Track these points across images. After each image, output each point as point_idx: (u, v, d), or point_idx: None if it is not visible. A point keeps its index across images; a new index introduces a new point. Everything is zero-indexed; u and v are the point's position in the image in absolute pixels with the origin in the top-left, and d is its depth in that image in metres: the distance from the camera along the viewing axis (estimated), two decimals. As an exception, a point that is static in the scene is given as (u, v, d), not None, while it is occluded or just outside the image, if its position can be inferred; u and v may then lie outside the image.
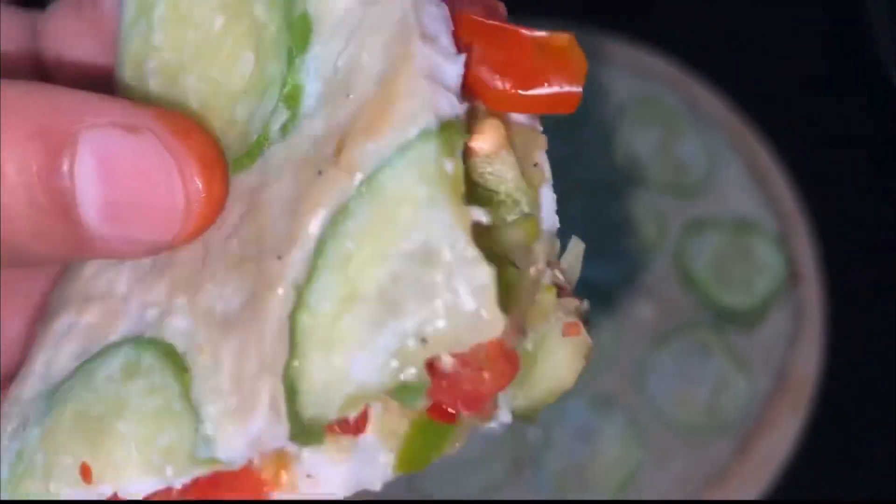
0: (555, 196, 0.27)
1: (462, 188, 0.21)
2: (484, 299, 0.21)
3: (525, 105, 0.24)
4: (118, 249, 0.22)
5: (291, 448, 0.23)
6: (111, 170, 0.21)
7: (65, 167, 0.21)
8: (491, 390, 0.22)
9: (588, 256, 0.78)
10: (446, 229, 0.21)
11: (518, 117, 0.25)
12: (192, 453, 0.22)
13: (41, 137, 0.21)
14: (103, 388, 0.22)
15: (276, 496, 0.23)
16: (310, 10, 0.22)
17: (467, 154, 0.23)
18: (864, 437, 0.79)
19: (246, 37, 0.22)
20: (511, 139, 0.25)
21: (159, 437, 0.22)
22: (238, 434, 0.22)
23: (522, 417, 0.26)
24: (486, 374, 0.22)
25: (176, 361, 0.22)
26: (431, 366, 0.22)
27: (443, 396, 0.23)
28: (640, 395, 0.73)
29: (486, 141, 0.23)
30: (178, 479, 0.22)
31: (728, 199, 0.80)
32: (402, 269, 0.21)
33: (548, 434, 0.71)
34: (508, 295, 0.22)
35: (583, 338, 0.24)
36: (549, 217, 0.26)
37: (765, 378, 0.75)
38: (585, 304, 0.25)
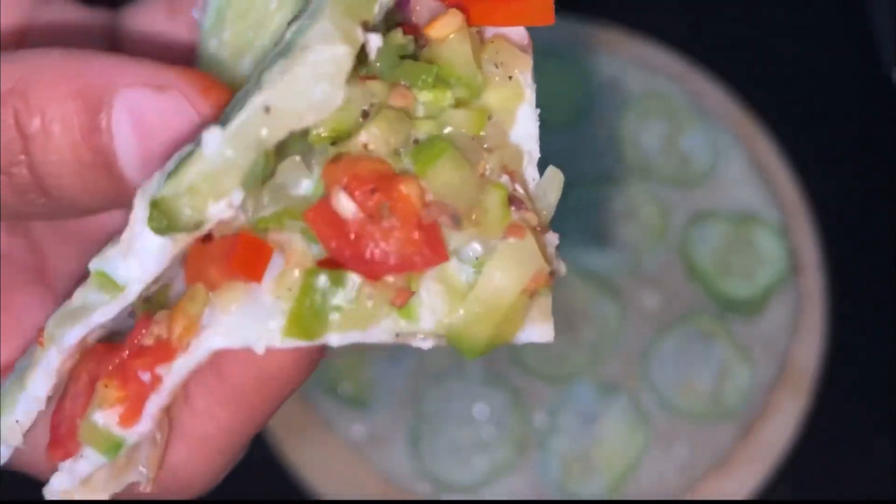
0: (538, 123, 0.27)
1: (363, 17, 0.23)
2: (327, 74, 0.22)
3: (501, 18, 0.26)
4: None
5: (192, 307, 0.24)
6: (145, 125, 0.23)
7: (104, 125, 0.23)
8: (395, 262, 0.22)
9: (593, 246, 0.80)
10: (325, 32, 0.22)
11: (511, 36, 0.26)
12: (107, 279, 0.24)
13: (81, 98, 0.23)
14: None
15: (181, 360, 0.24)
16: None
17: (422, 40, 0.25)
18: (864, 423, 0.80)
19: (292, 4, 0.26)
20: (479, 43, 0.26)
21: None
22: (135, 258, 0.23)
23: (455, 344, 0.24)
24: (391, 237, 0.22)
25: None
26: (332, 213, 0.22)
27: (337, 243, 0.23)
28: (645, 382, 0.74)
29: (439, 28, 0.25)
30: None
31: (731, 190, 0.80)
32: (274, 54, 0.23)
33: (554, 419, 0.72)
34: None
35: (534, 257, 0.24)
36: (525, 138, 0.26)
37: (766, 366, 0.76)
38: (555, 240, 0.26)
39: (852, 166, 0.88)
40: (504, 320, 0.24)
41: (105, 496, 0.25)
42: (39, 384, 0.24)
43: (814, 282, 0.81)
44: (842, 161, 0.88)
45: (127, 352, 0.24)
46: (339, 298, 0.23)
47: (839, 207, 0.85)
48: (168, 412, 0.25)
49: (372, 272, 0.23)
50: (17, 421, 0.25)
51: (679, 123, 0.82)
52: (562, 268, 0.26)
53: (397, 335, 0.24)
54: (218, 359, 0.24)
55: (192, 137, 0.23)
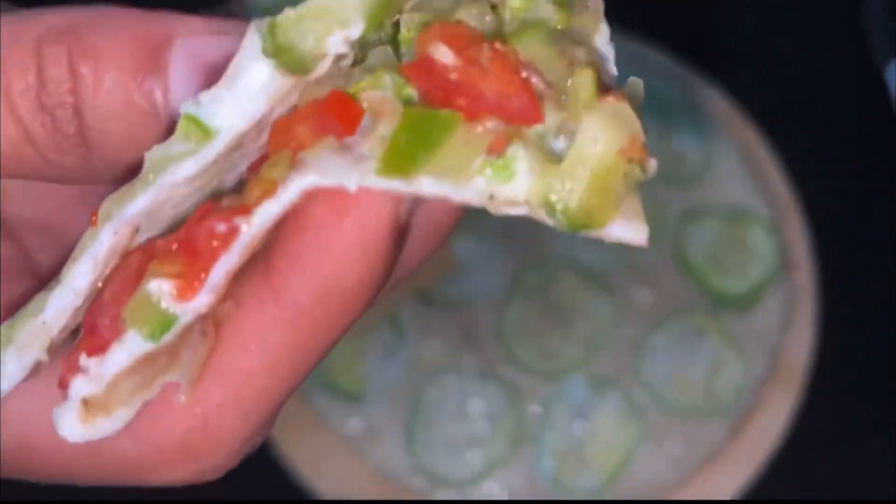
0: (613, 50, 0.27)
1: None
2: None
3: None
4: None
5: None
6: (203, 68, 0.22)
7: (161, 69, 0.22)
8: (493, 101, 0.21)
9: (586, 242, 0.80)
10: None
11: None
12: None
13: (138, 43, 0.22)
14: None
15: (265, 206, 0.21)
16: None
17: None
18: (857, 419, 0.80)
19: None
20: None
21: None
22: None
23: (550, 211, 0.23)
24: (490, 76, 0.21)
25: None
26: (431, 63, 0.21)
27: (435, 85, 0.21)
28: (637, 377, 0.74)
29: None
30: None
31: (723, 188, 0.81)
32: None
33: (547, 413, 0.73)
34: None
35: (630, 120, 0.24)
36: (605, 47, 0.26)
37: (759, 361, 0.76)
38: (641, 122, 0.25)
39: (844, 163, 0.88)
40: (600, 190, 0.24)
41: (130, 414, 0.22)
42: (83, 272, 0.21)
43: (806, 278, 0.81)
44: (833, 158, 0.88)
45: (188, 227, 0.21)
46: (434, 136, 0.21)
47: (830, 204, 0.86)
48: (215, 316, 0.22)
49: (470, 107, 0.21)
50: (43, 322, 0.21)
51: (671, 121, 0.82)
52: (653, 162, 0.25)
53: (490, 197, 0.22)
54: (274, 263, 0.21)
55: None
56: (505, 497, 0.71)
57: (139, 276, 0.21)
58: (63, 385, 0.21)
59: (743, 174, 0.82)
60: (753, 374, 0.76)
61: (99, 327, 0.20)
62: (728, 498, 0.74)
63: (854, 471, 0.78)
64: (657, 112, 0.82)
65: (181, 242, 0.20)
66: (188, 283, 0.20)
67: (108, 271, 0.21)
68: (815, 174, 0.86)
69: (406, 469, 0.71)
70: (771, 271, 0.77)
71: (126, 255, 0.21)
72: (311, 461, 0.73)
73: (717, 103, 0.86)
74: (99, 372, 0.21)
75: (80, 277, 0.21)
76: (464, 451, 0.71)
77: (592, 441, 0.72)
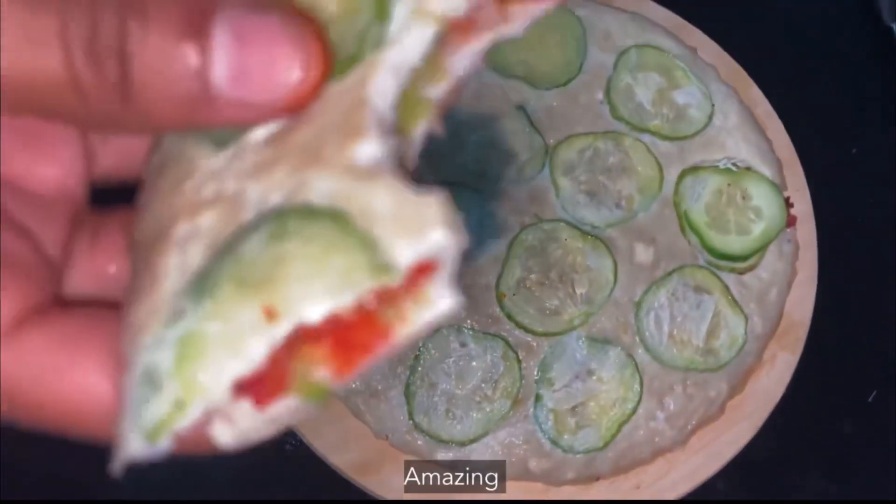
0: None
1: None
2: None
3: None
4: (234, 114, 0.25)
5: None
6: (243, 40, 0.24)
7: (205, 31, 0.24)
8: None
9: (587, 199, 0.79)
10: None
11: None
12: (370, 265, 0.24)
13: (185, 7, 0.24)
14: (255, 256, 0.25)
15: (394, 338, 0.25)
16: None
17: None
18: (857, 376, 0.80)
19: None
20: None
21: (332, 264, 0.24)
22: (409, 243, 0.24)
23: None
24: None
25: (325, 212, 0.25)
26: None
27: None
28: (638, 336, 0.74)
29: None
30: (351, 295, 0.24)
31: (725, 145, 0.80)
32: None
33: (547, 372, 0.72)
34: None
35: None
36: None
37: (760, 319, 0.76)
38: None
39: (843, 122, 0.88)
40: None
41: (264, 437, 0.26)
42: (257, 352, 0.25)
43: (808, 235, 0.81)
44: (833, 116, 0.87)
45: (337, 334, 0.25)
46: None
47: (831, 164, 0.85)
48: None
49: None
50: (226, 389, 0.25)
51: (674, 77, 0.81)
52: None
53: None
54: None
55: (287, 55, 0.25)
56: (500, 456, 0.71)
57: (294, 357, 0.25)
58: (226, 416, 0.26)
59: (745, 131, 0.81)
60: (754, 331, 0.76)
61: (263, 391, 0.25)
62: (730, 454, 0.75)
63: (857, 428, 0.79)
64: (661, 68, 0.81)
65: (338, 343, 0.25)
66: (342, 370, 0.25)
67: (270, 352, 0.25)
68: (814, 132, 0.85)
69: (406, 429, 0.71)
70: (772, 228, 0.77)
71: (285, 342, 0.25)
72: (310, 422, 0.73)
73: (720, 58, 0.85)
74: (265, 417, 0.25)
75: (255, 354, 0.24)
76: (463, 411, 0.71)
77: (592, 399, 0.72)
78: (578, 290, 0.74)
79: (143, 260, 0.27)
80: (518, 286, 0.74)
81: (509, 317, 0.73)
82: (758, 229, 0.77)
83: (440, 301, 0.25)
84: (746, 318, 0.76)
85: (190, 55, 0.24)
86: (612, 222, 0.76)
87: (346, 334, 0.25)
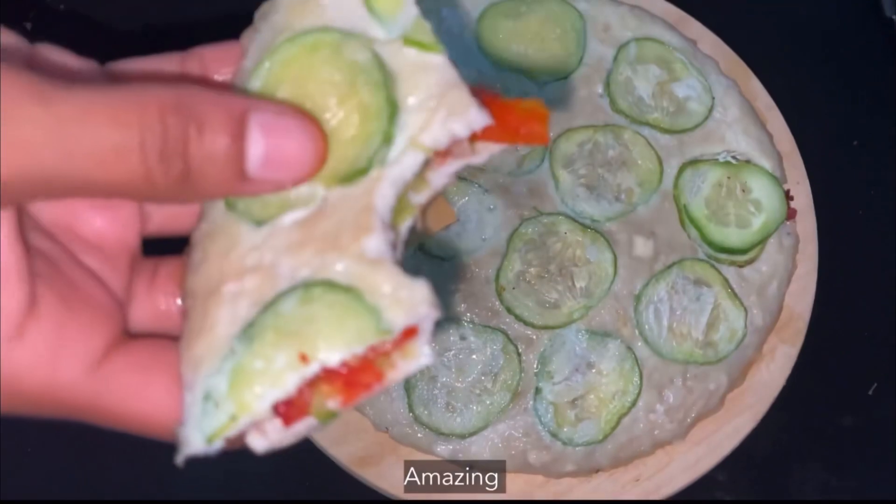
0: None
1: None
2: None
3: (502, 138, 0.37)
4: (264, 188, 0.35)
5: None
6: (269, 136, 0.33)
7: (242, 131, 0.33)
8: None
9: (587, 193, 0.79)
10: None
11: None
12: (376, 328, 0.34)
13: (227, 114, 0.33)
14: (290, 314, 0.34)
15: (386, 381, 0.35)
16: (395, 95, 0.36)
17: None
18: (857, 368, 0.80)
19: (354, 111, 0.36)
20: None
21: (348, 326, 0.34)
22: (403, 314, 0.34)
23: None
24: None
25: (342, 287, 0.34)
26: None
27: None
28: (637, 329, 0.74)
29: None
30: (361, 349, 0.34)
31: (725, 137, 0.80)
32: None
33: (547, 365, 0.73)
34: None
35: None
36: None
37: (760, 312, 0.76)
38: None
39: (845, 115, 0.88)
40: None
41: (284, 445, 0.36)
42: (292, 382, 0.34)
43: (808, 228, 0.80)
44: (834, 109, 0.87)
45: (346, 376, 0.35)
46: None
47: (832, 156, 0.85)
48: None
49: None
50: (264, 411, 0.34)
51: (673, 70, 0.81)
52: None
53: None
54: None
55: (300, 144, 0.35)
56: (500, 448, 0.71)
57: (314, 390, 0.34)
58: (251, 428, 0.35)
59: (745, 124, 0.81)
60: (754, 324, 0.76)
61: (290, 414, 0.34)
62: (729, 447, 0.75)
63: (858, 422, 0.79)
64: (661, 61, 0.81)
65: (344, 382, 0.34)
66: (347, 401, 0.35)
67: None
68: (815, 125, 0.85)
69: (406, 421, 0.72)
70: (772, 221, 0.77)
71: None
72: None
73: (720, 50, 0.85)
74: (289, 432, 0.35)
75: (290, 385, 0.34)
76: (463, 403, 0.72)
77: (592, 392, 0.72)
78: (578, 284, 0.74)
79: (197, 307, 0.36)
80: (518, 279, 0.74)
81: (509, 310, 0.73)
82: (758, 222, 0.77)
83: (422, 356, 0.35)
84: (746, 311, 0.76)
85: (232, 149, 0.33)
86: (612, 215, 0.76)
87: (351, 376, 0.34)
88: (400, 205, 0.36)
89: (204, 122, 0.32)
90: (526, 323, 0.73)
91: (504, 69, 0.79)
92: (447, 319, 0.73)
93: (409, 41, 0.36)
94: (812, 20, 0.90)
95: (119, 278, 0.38)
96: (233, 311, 0.35)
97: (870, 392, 0.80)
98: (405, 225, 0.37)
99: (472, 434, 0.71)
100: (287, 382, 0.33)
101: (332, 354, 0.33)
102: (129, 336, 0.37)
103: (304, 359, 0.33)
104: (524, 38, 0.80)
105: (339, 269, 0.34)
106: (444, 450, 0.71)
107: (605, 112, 0.79)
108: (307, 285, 0.34)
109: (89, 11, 0.87)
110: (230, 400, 0.34)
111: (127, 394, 0.35)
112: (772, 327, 0.77)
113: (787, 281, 0.78)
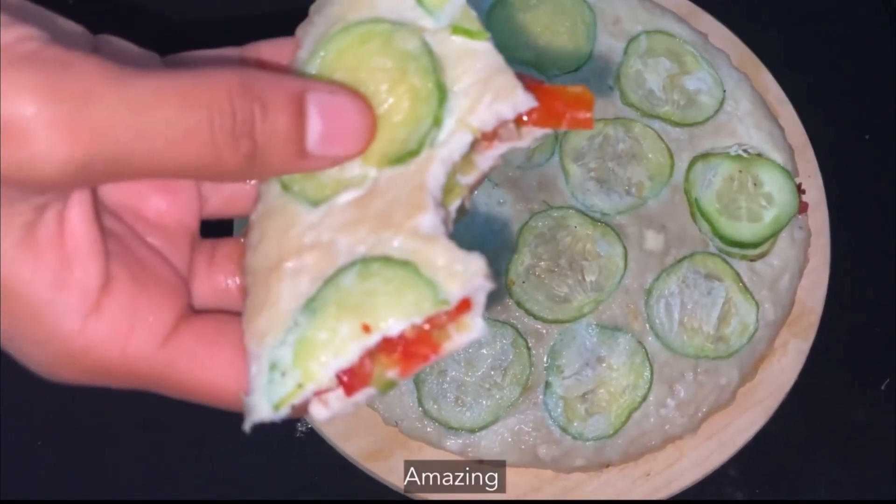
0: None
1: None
2: None
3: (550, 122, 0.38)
4: (317, 164, 0.36)
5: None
6: (325, 114, 0.35)
7: (302, 110, 0.35)
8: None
9: (597, 186, 0.79)
10: None
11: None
12: (434, 299, 0.35)
13: (288, 94, 0.35)
14: (350, 288, 0.36)
15: (442, 352, 0.36)
16: (444, 80, 0.37)
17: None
18: (867, 365, 0.80)
19: (404, 96, 0.37)
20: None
21: (407, 297, 0.35)
22: (459, 286, 0.35)
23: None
24: None
25: (397, 261, 0.36)
26: None
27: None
28: (648, 323, 0.73)
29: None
30: (420, 319, 0.35)
31: (736, 130, 0.79)
32: None
33: (557, 359, 0.72)
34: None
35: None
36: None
37: (771, 306, 0.76)
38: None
39: (856, 108, 0.87)
40: None
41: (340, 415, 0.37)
42: (353, 354, 0.35)
43: (820, 221, 0.80)
44: (846, 104, 0.87)
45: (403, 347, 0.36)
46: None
47: (844, 149, 0.85)
48: None
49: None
50: (327, 380, 0.36)
51: (684, 63, 0.81)
52: None
53: None
54: None
55: (355, 120, 0.37)
56: (510, 442, 0.71)
57: (374, 362, 0.36)
58: (315, 395, 0.36)
59: (756, 118, 0.80)
60: (766, 318, 0.75)
61: (352, 383, 0.36)
62: (741, 442, 0.74)
63: (869, 416, 0.78)
64: (671, 54, 0.81)
65: (403, 353, 0.36)
66: (405, 372, 0.36)
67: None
68: (826, 118, 0.84)
69: (415, 415, 0.71)
70: (784, 215, 0.76)
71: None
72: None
73: (731, 43, 0.84)
74: (350, 401, 0.36)
75: (353, 354, 0.35)
76: (473, 397, 0.71)
77: (602, 386, 0.72)
78: (588, 278, 0.74)
79: (259, 283, 0.38)
80: (528, 273, 0.73)
81: (519, 304, 0.73)
82: (769, 216, 0.76)
83: (475, 328, 0.36)
84: (758, 306, 0.75)
85: (294, 128, 0.35)
86: (623, 209, 0.76)
87: (409, 347, 0.36)
88: (449, 185, 0.37)
89: (267, 102, 0.34)
90: (536, 317, 0.73)
91: (513, 61, 0.79)
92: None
93: (456, 29, 0.38)
94: (824, 13, 0.89)
95: (181, 257, 0.40)
96: (294, 287, 0.36)
97: (882, 387, 0.79)
98: (454, 205, 0.38)
99: (481, 428, 0.71)
100: (350, 352, 0.35)
101: (393, 324, 0.35)
102: (193, 311, 0.39)
103: (366, 329, 0.35)
104: (534, 31, 0.79)
105: (396, 245, 0.36)
106: (453, 444, 0.71)
107: (616, 105, 0.79)
108: (365, 261, 0.36)
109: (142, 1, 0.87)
110: (296, 369, 0.36)
111: (195, 365, 0.37)
112: (783, 322, 0.77)
113: (799, 275, 0.78)
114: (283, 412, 0.36)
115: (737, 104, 0.80)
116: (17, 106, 0.30)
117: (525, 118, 0.37)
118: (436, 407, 0.71)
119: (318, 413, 0.37)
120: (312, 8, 0.40)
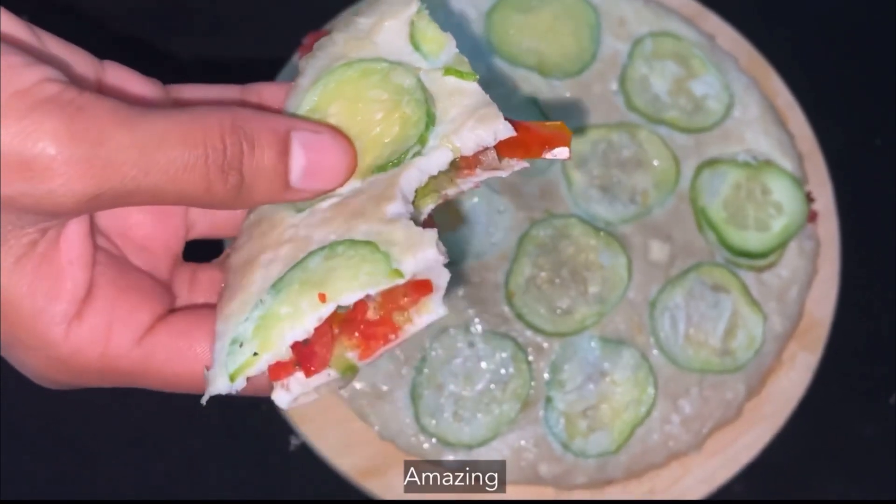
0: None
1: None
2: None
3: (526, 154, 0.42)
4: (300, 196, 0.40)
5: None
6: (309, 151, 0.39)
7: (287, 148, 0.39)
8: None
9: (601, 195, 0.77)
10: None
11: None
12: (387, 270, 0.37)
13: (274, 133, 0.38)
14: (315, 268, 0.38)
15: (403, 334, 0.39)
16: (434, 111, 0.41)
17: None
18: (877, 378, 0.79)
19: (396, 122, 0.41)
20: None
21: (363, 270, 0.37)
22: (411, 257, 0.37)
23: None
24: None
25: (362, 242, 0.38)
26: None
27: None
28: (653, 336, 0.72)
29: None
30: (374, 290, 0.37)
31: (744, 137, 0.77)
32: None
33: (558, 374, 0.71)
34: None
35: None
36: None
37: (779, 318, 0.74)
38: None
39: (867, 114, 0.86)
40: None
41: (315, 398, 0.40)
42: (311, 323, 0.37)
43: (830, 231, 0.78)
44: (858, 107, 0.85)
45: (363, 326, 0.39)
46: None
47: (852, 157, 0.83)
48: None
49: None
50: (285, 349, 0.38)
51: (691, 66, 0.78)
52: None
53: None
54: None
55: (335, 157, 0.40)
56: (510, 460, 0.69)
57: (334, 343, 0.39)
58: (275, 377, 0.38)
59: (765, 123, 0.78)
60: (773, 330, 0.74)
61: (312, 362, 0.38)
62: (747, 458, 0.73)
63: (878, 430, 0.77)
64: (678, 57, 0.79)
65: (363, 334, 0.39)
66: (365, 354, 0.39)
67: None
68: (837, 123, 0.83)
69: (412, 431, 0.70)
70: (793, 224, 0.75)
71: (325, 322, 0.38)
72: (314, 424, 0.71)
73: (738, 49, 0.82)
74: (310, 383, 0.39)
75: (309, 324, 0.37)
76: (471, 414, 0.70)
77: (605, 402, 0.70)
78: (591, 289, 0.72)
79: (235, 277, 0.40)
80: (528, 284, 0.72)
81: (519, 316, 0.71)
82: (778, 225, 0.75)
83: (435, 311, 0.38)
84: (765, 318, 0.73)
85: (279, 163, 0.38)
86: (627, 218, 0.74)
87: (369, 328, 0.38)
88: (425, 189, 0.40)
89: (255, 140, 0.38)
90: (537, 330, 0.71)
91: (515, 65, 0.77)
92: (456, 329, 0.71)
93: (449, 70, 0.41)
94: (834, 15, 0.88)
95: (162, 276, 0.43)
96: (266, 273, 0.39)
97: (891, 400, 0.78)
98: (427, 207, 0.41)
99: (480, 444, 0.69)
100: (306, 321, 0.37)
101: (347, 295, 0.37)
102: (173, 312, 0.42)
103: (322, 299, 0.37)
104: (536, 33, 0.77)
105: (362, 230, 0.38)
106: (452, 463, 0.69)
107: (620, 110, 0.77)
108: (332, 244, 0.39)
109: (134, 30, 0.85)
110: (255, 339, 0.38)
111: (172, 356, 0.40)
112: (791, 334, 0.75)
113: (808, 286, 0.76)
114: (240, 383, 0.37)
115: (745, 109, 0.78)
116: (40, 147, 0.34)
117: (507, 150, 0.41)
118: (433, 422, 0.69)
119: (280, 398, 0.38)
120: (316, 45, 0.43)
